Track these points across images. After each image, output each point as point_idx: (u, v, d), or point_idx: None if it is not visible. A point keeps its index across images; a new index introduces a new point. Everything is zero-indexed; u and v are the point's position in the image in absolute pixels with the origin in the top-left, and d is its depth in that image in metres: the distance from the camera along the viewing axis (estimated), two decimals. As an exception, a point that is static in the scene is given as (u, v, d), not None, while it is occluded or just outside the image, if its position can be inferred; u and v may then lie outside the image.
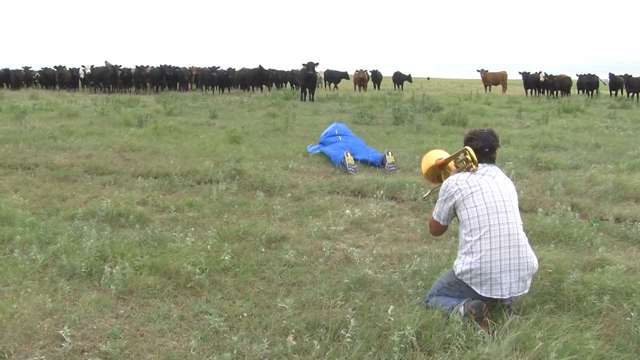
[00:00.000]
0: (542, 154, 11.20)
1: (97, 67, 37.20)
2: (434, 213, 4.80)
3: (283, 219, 7.18)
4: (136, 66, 37.27)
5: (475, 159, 4.57)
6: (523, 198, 7.94)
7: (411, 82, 50.42)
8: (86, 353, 4.00)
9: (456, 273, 4.47)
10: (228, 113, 21.09)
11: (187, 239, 5.93)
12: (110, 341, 4.11)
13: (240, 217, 7.15)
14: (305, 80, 28.63)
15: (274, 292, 5.04)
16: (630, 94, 35.35)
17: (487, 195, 4.45)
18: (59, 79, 38.00)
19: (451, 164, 4.91)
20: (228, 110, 22.49)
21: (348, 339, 4.01)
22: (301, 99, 28.91)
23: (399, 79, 48.81)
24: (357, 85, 43.43)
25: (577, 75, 38.60)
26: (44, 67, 41.46)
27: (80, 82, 39.59)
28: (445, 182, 4.71)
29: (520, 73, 38.94)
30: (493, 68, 44.81)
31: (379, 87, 46.56)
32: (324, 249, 5.86)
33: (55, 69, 38.99)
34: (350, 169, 9.89)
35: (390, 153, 10.43)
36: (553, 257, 5.48)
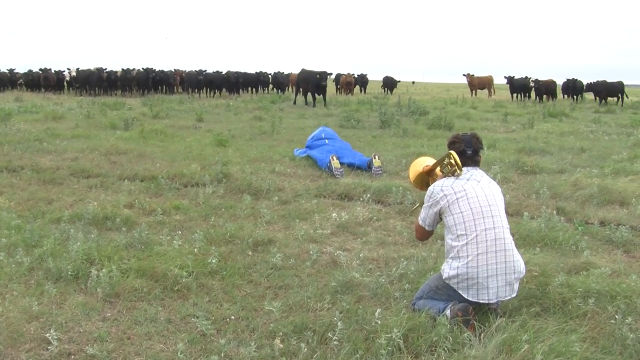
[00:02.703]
0: (528, 158, 11.27)
1: (82, 70, 37.07)
2: (419, 218, 4.83)
3: (270, 222, 7.18)
4: (122, 69, 37.16)
5: (459, 163, 4.59)
6: (509, 202, 7.97)
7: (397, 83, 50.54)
8: (73, 356, 3.99)
9: (443, 277, 4.48)
10: (214, 116, 21.09)
11: (174, 242, 5.92)
12: (97, 344, 4.09)
13: (227, 220, 7.15)
14: (317, 88, 28.63)
15: (261, 295, 5.04)
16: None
17: (473, 200, 4.47)
18: (44, 82, 37.85)
19: (438, 169, 4.93)
20: (214, 113, 22.47)
21: (335, 342, 4.02)
22: (314, 105, 28.75)
23: (390, 83, 48.80)
24: (343, 89, 43.41)
25: (566, 79, 38.85)
26: (28, 69, 41.31)
27: (65, 84, 39.44)
28: (430, 188, 4.73)
29: (505, 77, 39.09)
30: (479, 72, 44.90)
31: (364, 91, 46.58)
32: (311, 252, 5.88)
33: (40, 72, 38.81)
34: (336, 172, 9.91)
35: (377, 157, 10.46)
36: (539, 261, 5.51)
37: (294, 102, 29.53)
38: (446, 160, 4.68)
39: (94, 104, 25.24)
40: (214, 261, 5.49)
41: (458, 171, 4.59)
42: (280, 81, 44.06)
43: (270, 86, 45.11)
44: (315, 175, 10.02)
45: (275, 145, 13.55)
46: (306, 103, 29.28)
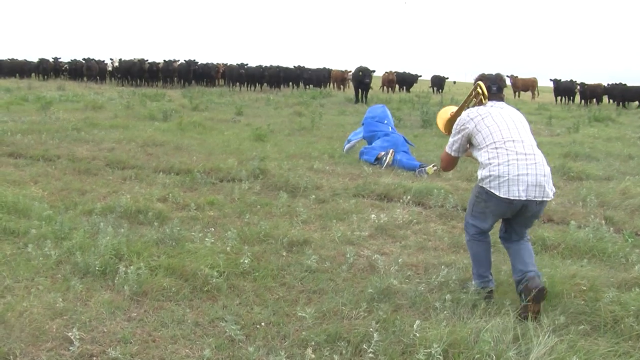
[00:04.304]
0: (574, 164, 10.90)
1: (125, 60, 37.30)
2: (446, 147, 5.13)
3: (306, 221, 6.97)
4: (164, 60, 37.29)
5: (486, 92, 4.97)
6: (554, 209, 7.71)
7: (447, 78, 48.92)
8: (94, 358, 3.83)
9: (478, 179, 4.79)
10: (254, 110, 20.96)
11: (206, 239, 5.72)
12: (120, 346, 3.92)
13: (262, 218, 6.94)
14: (360, 84, 28.69)
15: (294, 299, 4.83)
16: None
17: (497, 117, 4.80)
18: (87, 71, 38.16)
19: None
20: (254, 107, 22.36)
21: (370, 355, 3.79)
22: (355, 101, 28.52)
23: (438, 82, 47.40)
24: (384, 87, 42.97)
25: (607, 84, 38.01)
26: (73, 58, 41.67)
27: (108, 74, 39.72)
28: (457, 119, 5.05)
29: (551, 80, 38.45)
30: (523, 74, 44.07)
31: (407, 90, 45.47)
32: (348, 255, 5.64)
33: (83, 61, 39.14)
34: (384, 166, 10.20)
35: (435, 168, 10.17)
36: (587, 274, 5.22)
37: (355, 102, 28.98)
38: (473, 92, 5.10)
39: (134, 94, 25.31)
40: (246, 261, 5.29)
41: (484, 100, 4.97)
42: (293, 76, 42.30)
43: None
44: (355, 174, 9.78)
45: (315, 141, 13.34)
46: (355, 102, 28.94)
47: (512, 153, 4.61)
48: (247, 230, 6.34)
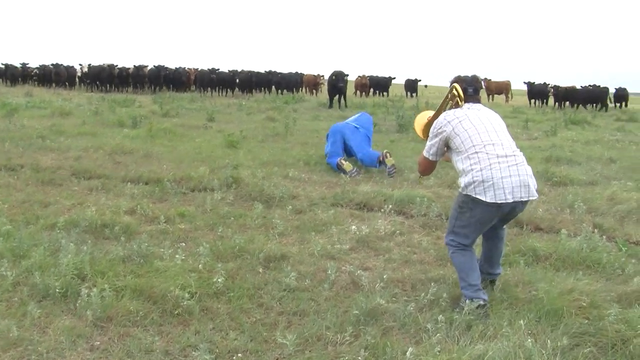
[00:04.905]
0: (557, 169, 10.59)
1: (94, 66, 36.72)
2: (424, 151, 5.02)
3: (283, 234, 6.57)
4: (134, 66, 36.73)
5: (462, 94, 4.92)
6: (542, 216, 7.40)
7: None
8: (51, 397, 3.40)
9: (461, 188, 4.69)
10: (226, 116, 20.49)
11: (177, 256, 5.30)
12: (81, 382, 3.51)
13: (236, 231, 6.54)
14: (333, 88, 28.08)
15: (272, 322, 4.43)
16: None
17: (475, 120, 4.73)
18: (55, 77, 37.50)
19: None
20: (226, 113, 21.89)
21: (360, 388, 3.41)
22: (329, 106, 27.85)
23: (412, 85, 46.18)
24: (357, 91, 42.62)
25: (581, 86, 37.98)
26: (41, 64, 40.93)
27: (77, 80, 39.08)
28: (434, 122, 4.96)
29: (525, 83, 38.35)
30: (496, 77, 43.88)
31: (382, 94, 44.32)
32: (329, 272, 5.25)
33: (52, 67, 38.46)
34: (352, 174, 9.79)
35: (388, 155, 9.96)
36: (585, 288, 4.89)
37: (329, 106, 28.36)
38: (449, 95, 5.05)
39: (104, 100, 24.76)
40: (220, 280, 4.89)
41: (460, 103, 4.92)
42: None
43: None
44: (332, 182, 9.40)
45: (289, 148, 12.92)
46: (330, 106, 28.39)
47: (492, 157, 4.56)
48: (220, 245, 5.94)
